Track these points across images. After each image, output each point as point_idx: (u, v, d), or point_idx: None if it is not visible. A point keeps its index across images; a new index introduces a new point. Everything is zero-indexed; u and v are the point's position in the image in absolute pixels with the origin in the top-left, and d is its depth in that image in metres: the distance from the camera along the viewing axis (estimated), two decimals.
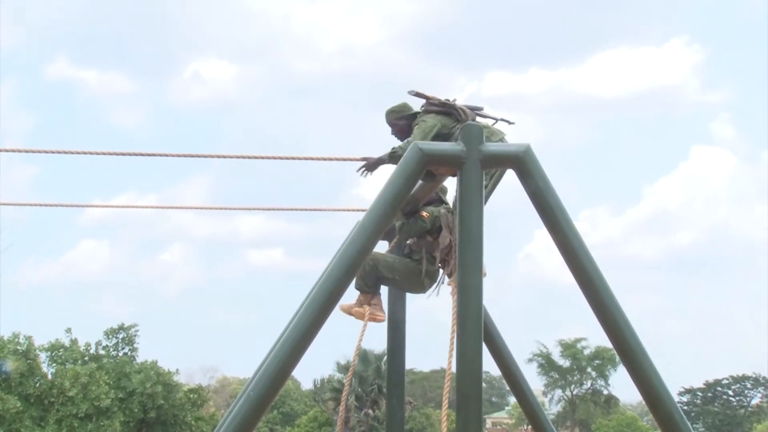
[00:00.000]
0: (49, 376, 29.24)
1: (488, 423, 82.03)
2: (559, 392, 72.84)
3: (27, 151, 7.87)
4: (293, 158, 7.91)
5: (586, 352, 69.58)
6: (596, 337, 66.53)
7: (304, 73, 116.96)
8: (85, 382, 27.62)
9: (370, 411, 44.52)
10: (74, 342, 30.82)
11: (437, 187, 6.61)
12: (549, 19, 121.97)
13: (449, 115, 6.58)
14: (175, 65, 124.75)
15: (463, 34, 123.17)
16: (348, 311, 6.60)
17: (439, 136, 6.46)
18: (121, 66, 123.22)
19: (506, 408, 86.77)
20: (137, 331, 31.63)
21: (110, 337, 31.33)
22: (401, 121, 6.74)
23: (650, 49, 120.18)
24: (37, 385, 28.55)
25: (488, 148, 5.45)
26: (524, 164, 5.47)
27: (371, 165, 6.66)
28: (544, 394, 70.55)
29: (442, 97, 6.64)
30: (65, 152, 7.29)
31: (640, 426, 59.49)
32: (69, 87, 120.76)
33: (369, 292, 6.65)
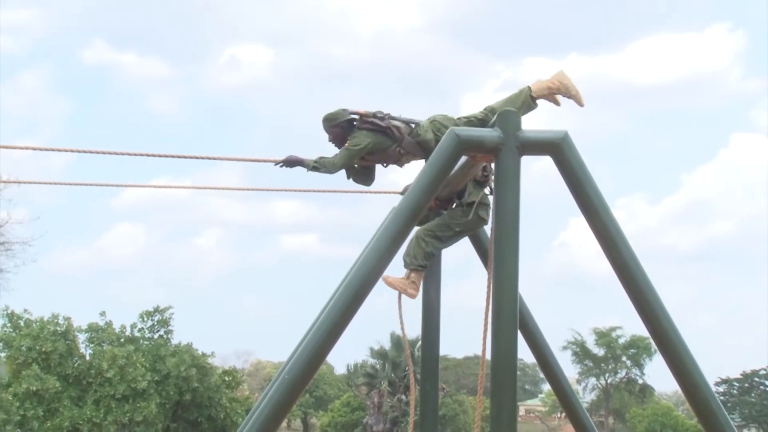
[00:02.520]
0: (87, 358, 29.58)
1: (521, 410, 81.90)
2: (593, 380, 72.53)
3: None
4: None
5: (621, 340, 69.20)
6: (632, 326, 66.16)
7: (338, 59, 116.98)
8: (122, 363, 27.92)
9: (403, 396, 44.61)
10: (109, 324, 31.14)
11: (473, 174, 6.58)
12: (591, 4, 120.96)
13: (383, 133, 6.61)
14: (211, 50, 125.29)
15: (501, 19, 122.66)
16: (385, 281, 6.57)
17: (373, 153, 6.62)
18: (158, 50, 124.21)
19: (540, 395, 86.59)
20: (172, 313, 31.90)
21: (145, 319, 31.59)
22: (336, 128, 6.73)
23: (692, 35, 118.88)
24: (76, 365, 28.90)
25: (525, 135, 5.41)
26: (561, 151, 5.43)
27: (291, 162, 6.75)
28: (578, 382, 70.28)
29: (378, 113, 6.64)
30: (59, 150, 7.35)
31: (675, 415, 59.08)
32: (106, 72, 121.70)
33: (413, 267, 6.63)
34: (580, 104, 6.44)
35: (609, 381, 71.55)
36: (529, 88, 6.38)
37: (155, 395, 28.59)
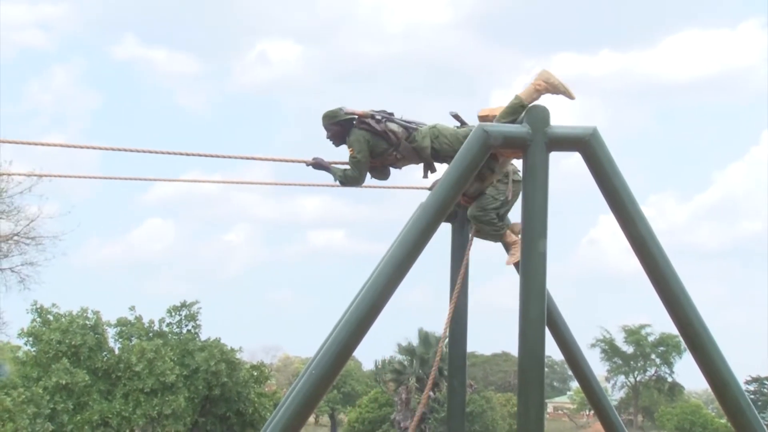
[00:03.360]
0: (116, 352, 29.80)
1: (549, 407, 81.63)
2: (622, 378, 72.22)
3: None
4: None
5: (651, 338, 68.80)
6: (661, 324, 65.74)
7: (367, 55, 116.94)
8: (150, 357, 28.10)
9: (431, 393, 44.58)
10: (138, 319, 31.34)
11: (502, 170, 6.56)
12: None
13: (380, 136, 6.62)
14: (241, 46, 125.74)
15: (531, 14, 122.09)
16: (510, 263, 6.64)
17: (371, 154, 6.64)
18: (187, 46, 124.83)
19: (568, 393, 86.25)
20: (199, 308, 32.03)
21: (173, 314, 31.77)
22: (335, 126, 6.74)
23: (724, 31, 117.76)
24: (105, 359, 29.13)
25: (554, 131, 5.38)
26: (590, 147, 5.40)
27: (318, 165, 6.82)
28: (607, 379, 69.98)
29: (377, 115, 6.66)
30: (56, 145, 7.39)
31: (704, 414, 58.63)
32: (136, 67, 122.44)
33: (501, 234, 6.75)
34: (571, 98, 6.37)
35: (638, 379, 71.18)
36: (518, 96, 6.29)
37: (184, 389, 28.75)
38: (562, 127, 5.45)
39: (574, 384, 75.68)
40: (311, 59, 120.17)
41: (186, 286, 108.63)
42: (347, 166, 6.72)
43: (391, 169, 6.95)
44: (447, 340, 7.11)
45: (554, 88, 6.25)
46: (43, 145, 7.32)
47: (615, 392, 70.87)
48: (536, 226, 5.33)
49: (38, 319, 29.32)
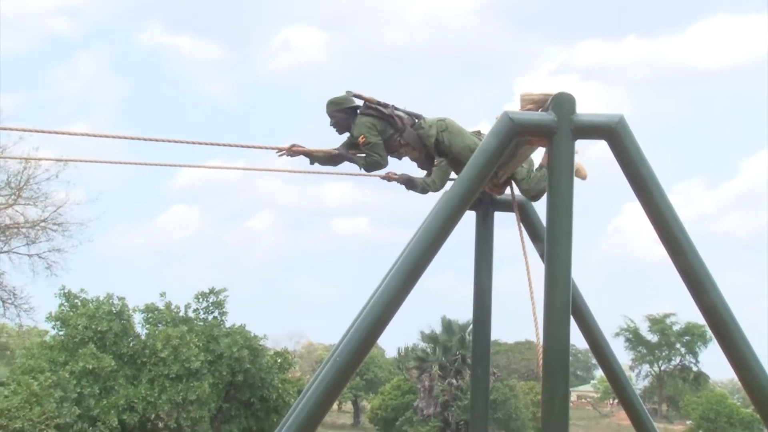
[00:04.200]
0: (143, 337, 29.99)
1: (573, 396, 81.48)
2: (646, 367, 71.95)
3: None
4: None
5: (676, 327, 68.47)
6: (686, 313, 65.40)
7: (390, 42, 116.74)
8: (176, 344, 28.27)
9: (454, 381, 44.62)
10: (167, 305, 31.52)
11: (527, 158, 6.52)
12: None
13: (385, 121, 6.56)
14: (265, 33, 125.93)
15: (556, 1, 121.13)
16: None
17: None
18: (212, 33, 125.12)
19: (592, 381, 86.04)
20: (227, 296, 32.16)
21: (200, 300, 31.90)
22: (340, 113, 6.67)
23: (753, 17, 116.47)
24: (131, 345, 29.33)
25: (580, 119, 5.35)
26: (617, 135, 5.36)
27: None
28: (631, 368, 69.73)
29: (382, 101, 6.60)
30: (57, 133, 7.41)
31: (730, 404, 58.26)
32: (161, 54, 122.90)
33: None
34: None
35: (662, 368, 70.89)
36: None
37: (208, 375, 28.91)
38: (588, 115, 5.42)
39: (598, 373, 75.51)
40: (334, 47, 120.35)
41: (210, 272, 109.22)
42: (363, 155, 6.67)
43: (395, 161, 6.89)
44: (470, 327, 7.09)
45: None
46: (70, 134, 7.36)
47: (639, 381, 70.63)
48: (561, 215, 5.31)
49: (66, 304, 29.54)
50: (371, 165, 6.61)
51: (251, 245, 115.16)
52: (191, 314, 31.71)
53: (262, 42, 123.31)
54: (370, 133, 6.51)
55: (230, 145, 6.95)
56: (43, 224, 30.25)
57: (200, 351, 28.79)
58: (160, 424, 29.57)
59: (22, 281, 48.44)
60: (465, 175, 5.58)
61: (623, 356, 67.18)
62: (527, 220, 6.91)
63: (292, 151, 6.70)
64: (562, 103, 5.38)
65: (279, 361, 31.67)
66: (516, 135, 5.47)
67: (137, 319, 30.86)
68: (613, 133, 5.36)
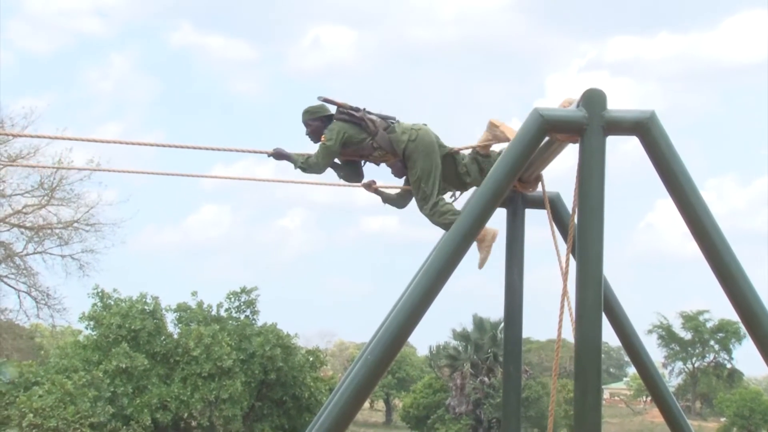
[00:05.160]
0: (175, 336, 30.15)
1: (606, 393, 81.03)
2: (679, 364, 71.39)
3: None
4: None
5: (709, 324, 67.88)
6: (720, 310, 64.78)
7: (420, 40, 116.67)
8: (208, 342, 28.41)
9: (486, 378, 44.52)
10: (199, 304, 31.69)
11: (557, 154, 6.50)
12: None
13: (358, 126, 6.51)
14: (295, 31, 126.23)
15: None
16: None
17: (347, 145, 6.51)
18: (242, 32, 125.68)
19: (624, 379, 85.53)
20: (258, 294, 32.28)
21: (232, 299, 32.03)
22: (316, 122, 6.63)
23: None
24: (164, 343, 29.50)
25: (611, 115, 5.33)
26: (648, 131, 5.34)
27: (278, 155, 6.63)
28: (664, 366, 69.23)
29: (354, 105, 6.57)
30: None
31: (764, 400, 57.68)
32: (192, 54, 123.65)
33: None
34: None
35: (696, 365, 70.31)
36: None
37: (240, 374, 29.03)
38: (619, 111, 5.39)
39: (631, 370, 74.99)
40: (365, 44, 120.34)
41: (241, 271, 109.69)
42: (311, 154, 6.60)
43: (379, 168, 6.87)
44: (502, 325, 7.08)
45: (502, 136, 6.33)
46: (103, 142, 7.44)
47: (672, 379, 70.11)
48: (593, 212, 5.29)
49: (99, 304, 29.77)
50: (310, 166, 6.52)
51: (282, 243, 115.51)
52: (223, 313, 31.86)
53: (292, 41, 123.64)
54: (333, 136, 6.45)
55: (256, 152, 6.91)
56: (75, 225, 30.55)
57: (232, 350, 28.91)
58: (193, 423, 29.74)
59: (56, 282, 48.96)
60: (495, 172, 5.57)
61: (656, 353, 66.77)
62: (558, 217, 6.88)
63: (277, 155, 6.64)
64: (593, 99, 5.36)
65: (311, 359, 31.74)
66: (546, 131, 5.46)
67: (169, 318, 31.05)
68: (645, 129, 5.33)
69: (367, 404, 64.62)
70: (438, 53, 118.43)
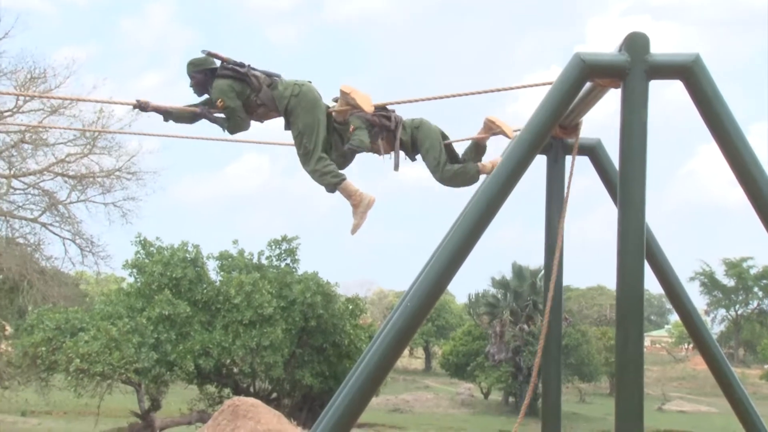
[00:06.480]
0: (217, 284, 30.44)
1: (647, 341, 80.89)
2: (722, 312, 71.03)
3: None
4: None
5: (753, 271, 67.28)
6: (764, 257, 64.15)
7: None
8: (249, 290, 28.65)
9: (525, 326, 44.63)
10: (241, 252, 31.95)
11: (598, 100, 6.38)
12: None
13: (243, 82, 6.41)
14: None
15: None
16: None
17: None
18: None
19: (666, 326, 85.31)
20: (299, 243, 32.44)
21: (273, 247, 32.22)
22: (199, 74, 6.50)
23: None
24: (205, 291, 29.82)
25: (655, 58, 5.21)
26: (693, 74, 5.22)
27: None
28: (707, 313, 68.91)
29: (238, 61, 6.46)
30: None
31: None
32: (229, 3, 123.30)
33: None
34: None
35: (739, 312, 69.89)
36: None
37: (281, 321, 29.27)
38: (663, 55, 5.27)
39: (673, 318, 74.83)
40: None
41: (281, 221, 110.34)
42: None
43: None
44: (542, 273, 7.03)
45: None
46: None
47: (715, 326, 69.82)
48: (634, 159, 5.20)
49: (142, 252, 30.13)
50: (234, 127, 6.50)
51: (320, 194, 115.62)
52: (264, 261, 32.10)
53: None
54: (227, 96, 6.37)
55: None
56: (117, 173, 30.77)
57: (273, 297, 29.14)
58: (235, 369, 30.16)
59: (99, 230, 49.70)
60: (535, 118, 5.49)
61: (699, 301, 66.44)
62: (600, 164, 6.79)
63: (142, 105, 6.48)
64: (636, 42, 5.24)
65: (351, 307, 31.93)
66: (587, 77, 5.36)
67: (211, 266, 31.35)
68: (690, 73, 5.22)
69: (406, 352, 65.12)
70: (476, 1, 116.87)
